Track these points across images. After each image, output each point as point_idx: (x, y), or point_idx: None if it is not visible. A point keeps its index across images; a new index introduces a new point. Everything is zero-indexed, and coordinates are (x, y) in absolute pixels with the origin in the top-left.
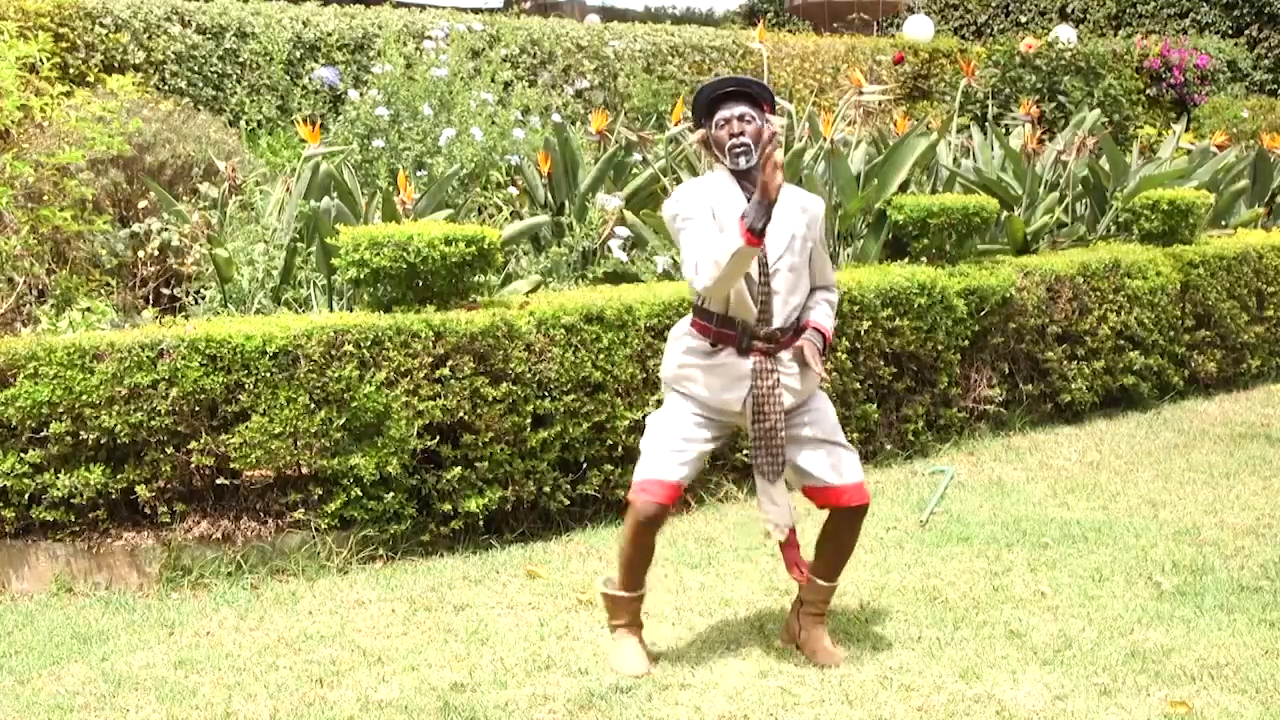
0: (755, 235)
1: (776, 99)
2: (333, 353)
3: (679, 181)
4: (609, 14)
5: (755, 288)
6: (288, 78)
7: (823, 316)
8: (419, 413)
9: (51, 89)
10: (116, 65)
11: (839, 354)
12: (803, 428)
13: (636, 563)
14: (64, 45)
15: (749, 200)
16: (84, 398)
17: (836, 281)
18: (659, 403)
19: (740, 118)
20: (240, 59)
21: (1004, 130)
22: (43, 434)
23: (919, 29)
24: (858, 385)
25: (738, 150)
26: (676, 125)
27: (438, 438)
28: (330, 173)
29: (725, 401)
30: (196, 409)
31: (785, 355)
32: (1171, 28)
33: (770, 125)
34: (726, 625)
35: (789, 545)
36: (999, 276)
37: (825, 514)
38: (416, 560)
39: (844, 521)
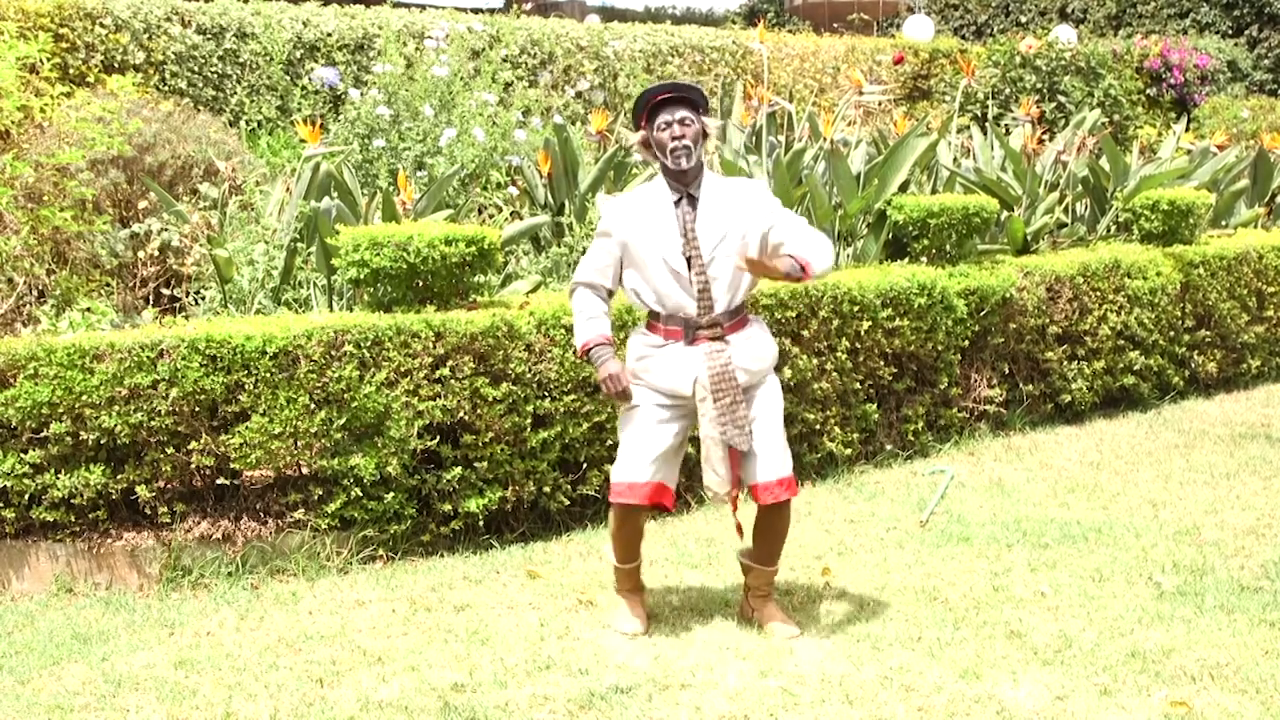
0: (583, 355)
1: (777, 99)
2: (333, 353)
3: None
4: (609, 14)
5: (689, 282)
6: (288, 78)
7: (801, 247)
8: (419, 413)
9: (51, 89)
10: (116, 65)
11: (839, 354)
12: (751, 419)
13: (625, 542)
14: (64, 45)
15: (675, 199)
16: (84, 398)
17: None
18: None
19: (681, 121)
20: (240, 59)
21: (1004, 130)
22: (43, 434)
23: (919, 29)
24: (858, 385)
25: (679, 152)
26: None
27: (438, 438)
28: (330, 173)
29: (676, 388)
30: (196, 409)
31: (734, 337)
32: (1171, 28)
33: (707, 125)
34: (726, 625)
35: (734, 509)
36: (999, 277)
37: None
38: (417, 560)
39: (768, 513)
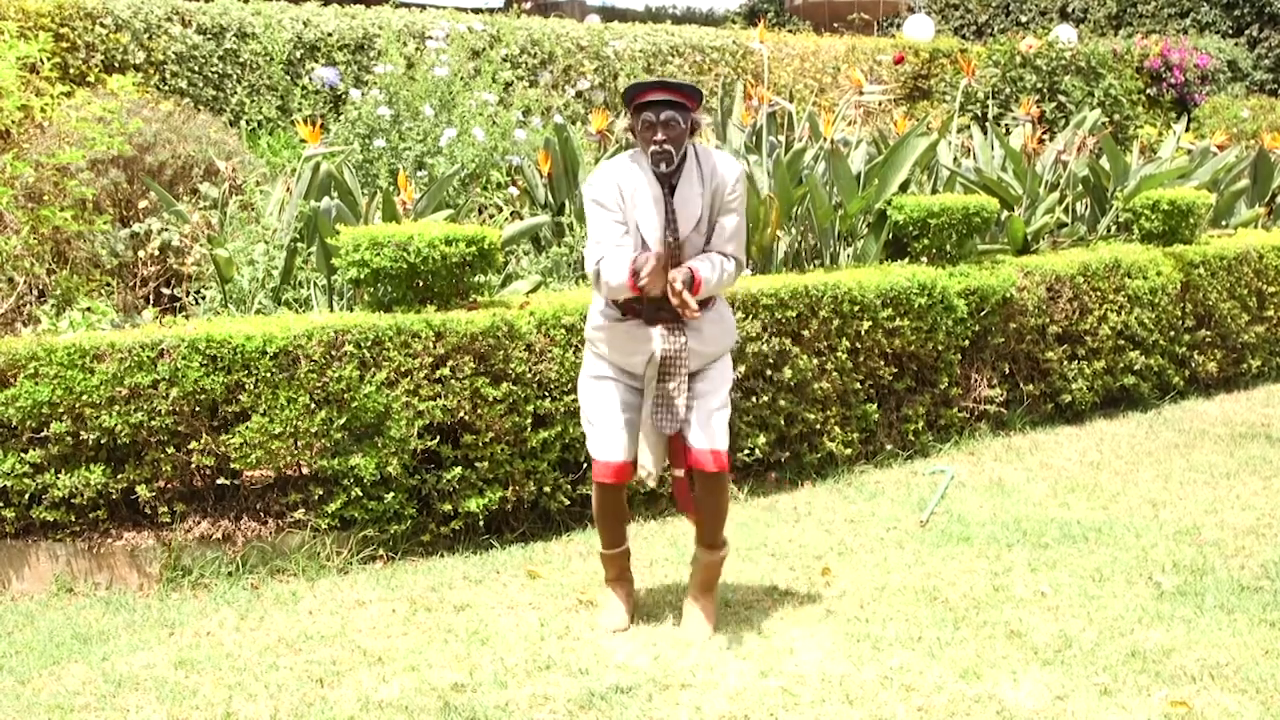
0: (640, 289)
1: (777, 99)
2: (333, 353)
3: None
4: (609, 14)
5: (662, 265)
6: (288, 78)
7: (702, 263)
8: (419, 413)
9: (52, 89)
10: (117, 65)
11: (839, 354)
12: (695, 393)
13: (606, 522)
14: (64, 45)
15: (660, 186)
16: (84, 398)
17: (744, 260)
18: None
19: (666, 124)
20: (241, 59)
21: (1004, 130)
22: (43, 434)
23: (919, 29)
24: (858, 385)
25: (659, 157)
26: None
27: (438, 438)
28: (331, 173)
29: (630, 364)
30: (197, 409)
31: (692, 320)
32: (1172, 28)
33: (698, 120)
34: (726, 625)
35: (680, 487)
36: (999, 276)
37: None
38: (417, 560)
39: (700, 486)
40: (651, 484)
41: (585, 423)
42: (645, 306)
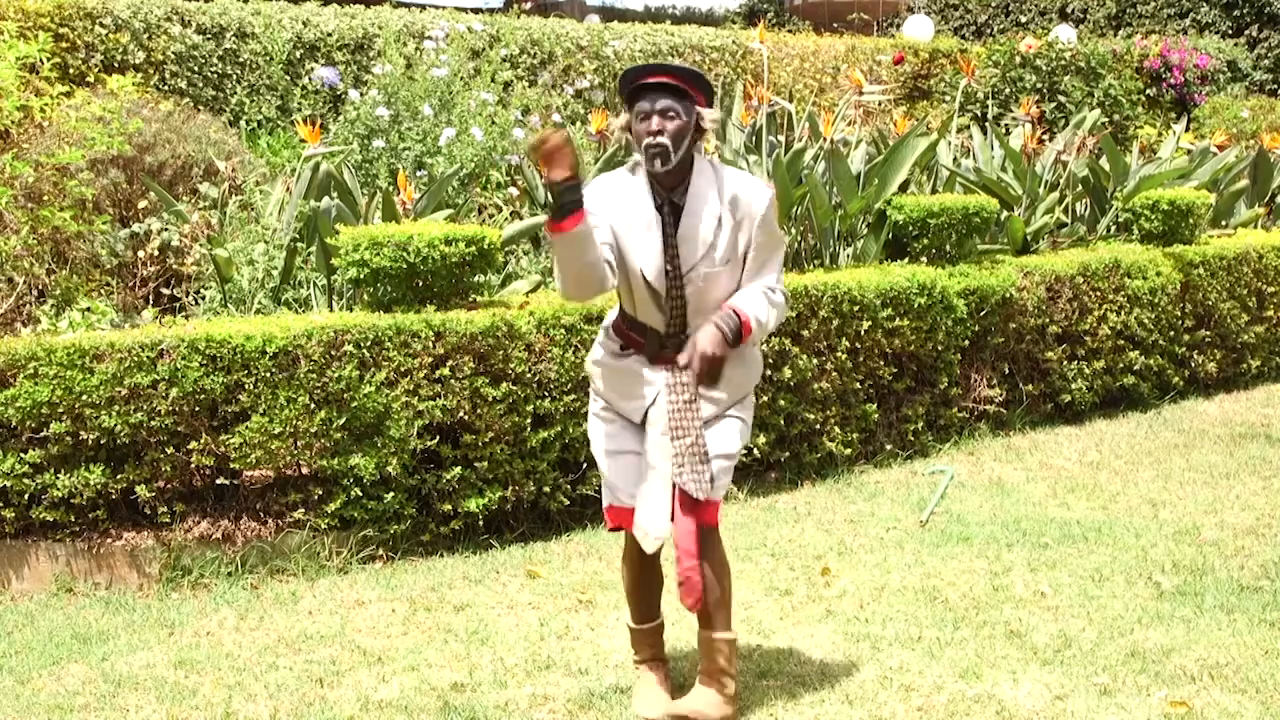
0: (555, 221)
1: (777, 99)
2: (333, 353)
3: None
4: (609, 14)
5: (663, 299)
6: (288, 78)
7: (747, 301)
8: (419, 413)
9: (51, 89)
10: (116, 65)
11: (839, 354)
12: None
13: (634, 587)
14: (64, 45)
15: (658, 204)
16: (84, 398)
17: (784, 285)
18: None
19: (663, 113)
20: (240, 59)
21: (1004, 130)
22: (43, 434)
23: (919, 29)
24: (858, 385)
25: (653, 151)
26: None
27: (438, 438)
28: (330, 173)
29: (626, 410)
30: (196, 409)
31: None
32: (1171, 28)
33: (704, 117)
34: None
35: (685, 564)
36: (999, 276)
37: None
38: (416, 560)
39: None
40: (651, 548)
41: (599, 463)
42: (648, 341)
